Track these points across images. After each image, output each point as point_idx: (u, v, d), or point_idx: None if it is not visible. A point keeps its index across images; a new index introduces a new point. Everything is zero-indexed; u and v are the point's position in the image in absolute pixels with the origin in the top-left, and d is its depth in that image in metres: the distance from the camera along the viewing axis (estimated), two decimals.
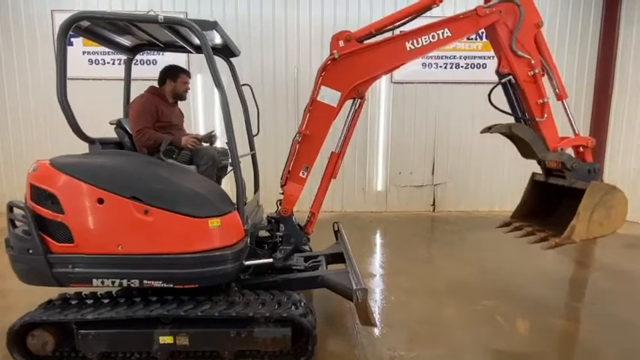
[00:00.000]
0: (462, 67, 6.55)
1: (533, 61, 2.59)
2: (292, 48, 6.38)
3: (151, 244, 2.20)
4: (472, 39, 6.46)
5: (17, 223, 2.31)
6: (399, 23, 2.64)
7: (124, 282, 2.23)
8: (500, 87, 2.75)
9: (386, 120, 6.67)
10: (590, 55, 6.62)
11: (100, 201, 2.18)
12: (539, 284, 3.61)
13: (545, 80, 2.70)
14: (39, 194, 2.23)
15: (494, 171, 6.84)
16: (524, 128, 2.73)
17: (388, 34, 2.64)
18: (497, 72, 2.72)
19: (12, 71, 6.26)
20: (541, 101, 2.64)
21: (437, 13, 2.76)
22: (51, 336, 2.22)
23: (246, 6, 6.31)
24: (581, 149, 2.72)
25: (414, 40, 2.55)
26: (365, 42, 2.59)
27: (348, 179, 6.70)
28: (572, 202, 2.53)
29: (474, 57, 6.51)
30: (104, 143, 2.65)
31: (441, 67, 6.56)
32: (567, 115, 2.75)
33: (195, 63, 6.09)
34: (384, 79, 6.57)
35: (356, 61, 2.56)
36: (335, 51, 2.54)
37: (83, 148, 2.56)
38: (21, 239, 2.24)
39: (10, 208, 2.29)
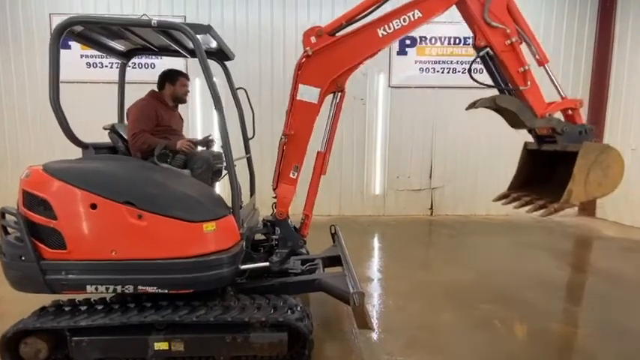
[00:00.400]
0: (458, 71, 6.58)
1: (508, 30, 2.55)
2: (290, 52, 6.40)
3: (145, 250, 2.18)
4: (468, 44, 6.50)
5: (10, 230, 2.28)
6: (368, 11, 2.61)
7: (118, 288, 2.20)
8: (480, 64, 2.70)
9: (384, 124, 6.68)
10: (585, 62, 6.68)
11: (93, 206, 2.16)
12: (536, 288, 3.59)
13: (524, 48, 2.65)
14: (31, 200, 2.20)
15: (490, 175, 6.83)
16: (508, 99, 2.67)
17: (359, 24, 2.61)
18: (474, 46, 2.68)
19: (9, 75, 6.26)
20: (522, 69, 2.59)
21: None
22: (44, 343, 2.19)
23: (244, 10, 6.34)
24: (569, 112, 2.65)
25: (385, 26, 2.53)
26: (337, 35, 2.58)
27: (346, 183, 6.69)
28: (568, 166, 2.47)
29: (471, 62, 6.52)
30: (98, 148, 2.64)
31: (438, 71, 6.59)
32: (551, 79, 2.68)
33: (193, 66, 6.10)
34: (381, 84, 6.60)
35: (330, 55, 2.54)
36: (308, 48, 2.54)
37: (78, 153, 2.55)
38: (13, 246, 2.21)
39: (2, 214, 2.27)
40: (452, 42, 6.51)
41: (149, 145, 2.68)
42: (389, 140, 6.72)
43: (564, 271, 4.25)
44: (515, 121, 2.77)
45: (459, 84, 6.53)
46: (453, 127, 6.70)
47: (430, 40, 6.45)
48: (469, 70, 2.64)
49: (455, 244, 5.21)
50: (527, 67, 2.59)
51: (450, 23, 5.81)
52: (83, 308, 2.31)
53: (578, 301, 3.62)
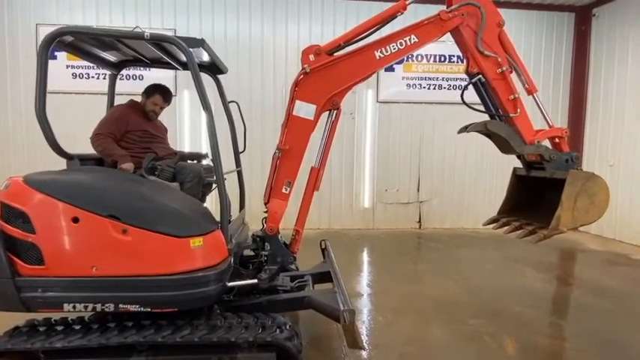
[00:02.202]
0: (444, 88, 6.77)
1: (499, 59, 2.66)
2: (280, 66, 6.48)
3: (129, 266, 2.10)
4: (453, 61, 6.73)
5: None
6: (366, 33, 2.69)
7: (98, 306, 2.10)
8: (472, 87, 2.81)
9: (372, 138, 6.77)
10: (563, 84, 6.98)
11: (75, 220, 2.08)
12: (524, 302, 3.62)
13: (514, 77, 2.76)
14: (9, 213, 2.11)
15: (476, 188, 6.98)
16: (499, 124, 2.77)
17: (357, 45, 2.69)
18: (467, 72, 2.79)
19: None
20: (512, 97, 2.70)
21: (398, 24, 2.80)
22: None
23: (235, 24, 6.41)
24: (556, 140, 2.76)
25: (383, 49, 2.61)
26: (335, 54, 2.64)
27: (335, 196, 6.69)
28: (556, 193, 2.54)
29: (456, 79, 6.75)
30: (83, 159, 2.56)
31: (424, 87, 6.77)
32: (539, 108, 2.80)
33: (182, 79, 6.08)
34: (369, 99, 6.72)
35: (328, 74, 2.59)
36: (306, 65, 2.57)
37: (63, 164, 2.47)
38: None
39: None
40: (437, 59, 6.72)
41: (105, 150, 2.64)
42: (377, 154, 6.79)
43: (550, 284, 4.31)
44: (505, 147, 2.87)
45: (445, 100, 6.74)
46: (439, 141, 6.85)
47: (416, 57, 6.64)
48: (461, 96, 2.74)
49: (443, 258, 5.24)
50: (517, 95, 2.71)
51: (436, 42, 6.02)
52: (59, 328, 2.19)
53: (564, 315, 3.66)
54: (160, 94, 2.98)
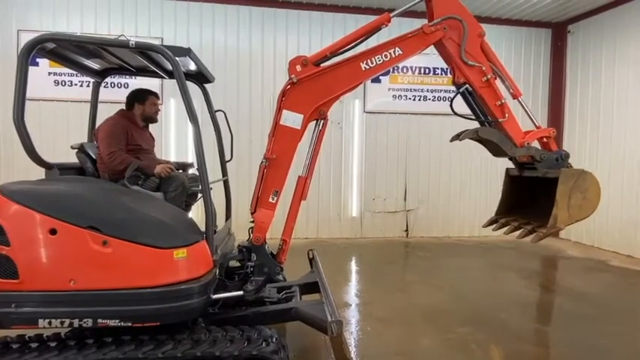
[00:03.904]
0: (429, 99, 6.93)
1: (484, 68, 2.76)
2: (268, 75, 6.50)
3: (109, 279, 2.03)
4: (438, 74, 6.92)
5: None
6: (352, 45, 2.75)
7: (75, 322, 2.01)
8: (460, 96, 2.88)
9: (360, 148, 6.83)
10: (541, 95, 7.24)
11: (53, 232, 2.00)
12: (508, 309, 3.67)
13: (499, 84, 2.86)
14: None
15: (461, 197, 7.10)
16: (489, 130, 2.86)
17: (343, 56, 2.73)
18: (454, 83, 2.87)
19: None
20: (499, 103, 2.79)
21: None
22: None
23: (223, 33, 6.42)
24: (545, 140, 2.86)
25: (368, 60, 2.66)
26: (321, 65, 2.68)
27: (323, 206, 6.68)
28: (549, 191, 2.62)
29: (440, 90, 6.93)
30: (63, 169, 2.49)
31: (410, 98, 6.91)
32: (525, 111, 2.91)
33: (169, 87, 6.02)
34: (357, 109, 6.81)
35: (314, 84, 2.62)
36: (293, 75, 2.60)
37: (41, 173, 2.39)
38: None
39: None
40: (422, 72, 6.90)
41: (125, 163, 2.57)
42: (365, 163, 6.85)
43: (534, 291, 4.39)
44: (497, 151, 2.95)
45: (429, 111, 6.89)
46: (424, 151, 6.97)
47: (402, 69, 6.80)
48: (450, 106, 2.82)
49: (430, 266, 5.27)
50: (503, 101, 2.80)
51: (421, 54, 6.19)
52: (34, 345, 2.09)
53: (548, 321, 3.72)
54: (151, 94, 2.97)
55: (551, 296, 4.30)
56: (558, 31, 7.11)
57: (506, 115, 2.78)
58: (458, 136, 2.97)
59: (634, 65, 5.86)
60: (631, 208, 5.81)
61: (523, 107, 2.91)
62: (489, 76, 2.76)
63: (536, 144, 2.87)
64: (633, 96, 5.86)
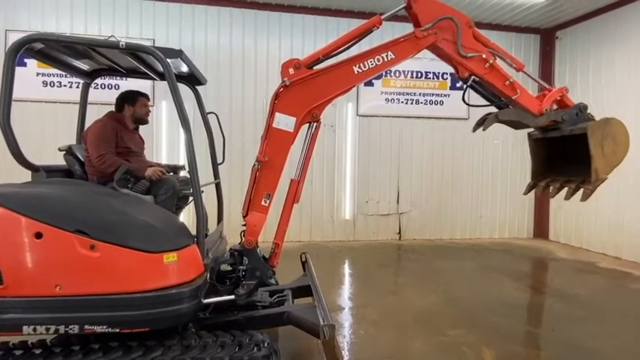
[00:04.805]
0: (421, 103, 7.00)
1: (484, 56, 2.76)
2: (261, 78, 6.49)
3: (96, 284, 1.98)
4: (430, 78, 6.99)
5: None
6: (344, 47, 2.75)
7: (61, 328, 1.95)
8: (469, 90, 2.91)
9: (353, 151, 6.84)
10: None
11: (38, 235, 1.95)
12: (500, 312, 3.69)
13: (501, 63, 2.89)
14: None
15: (453, 200, 7.15)
16: (508, 112, 2.89)
17: (336, 59, 2.73)
18: (460, 78, 2.87)
19: None
20: (508, 82, 2.80)
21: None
22: None
23: (215, 35, 6.39)
24: (559, 99, 2.89)
25: (361, 64, 2.67)
26: (314, 68, 2.68)
27: (316, 208, 6.67)
28: (579, 145, 2.68)
29: (432, 94, 7.00)
30: (50, 171, 2.44)
31: (402, 102, 6.96)
32: (533, 79, 2.98)
33: (160, 89, 5.96)
34: (350, 113, 6.83)
35: (307, 87, 2.62)
36: (285, 78, 2.59)
37: (28, 176, 2.34)
38: None
39: None
40: (414, 75, 6.96)
41: (117, 168, 2.53)
42: (358, 166, 6.86)
43: (525, 293, 4.43)
44: (520, 126, 3.01)
45: (421, 114, 6.96)
46: (416, 154, 7.02)
47: (394, 73, 6.84)
48: (463, 99, 2.89)
49: (422, 269, 5.29)
50: (511, 79, 2.81)
51: (413, 58, 6.26)
52: (18, 353, 2.03)
53: (538, 323, 3.76)
54: (142, 95, 2.93)
55: (541, 298, 4.35)
56: (547, 37, 7.25)
57: (518, 90, 2.79)
58: (479, 125, 2.99)
59: (619, 70, 6.01)
60: (618, 210, 5.93)
61: (529, 76, 2.97)
62: (491, 61, 2.77)
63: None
64: (620, 100, 6.00)
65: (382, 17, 2.72)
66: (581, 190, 2.80)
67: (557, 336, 3.22)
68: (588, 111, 2.86)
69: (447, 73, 6.97)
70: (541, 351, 3.03)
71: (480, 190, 7.18)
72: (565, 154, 3.04)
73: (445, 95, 6.99)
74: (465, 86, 2.89)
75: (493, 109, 3.02)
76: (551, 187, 3.08)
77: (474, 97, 3.01)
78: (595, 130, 2.67)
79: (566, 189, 2.93)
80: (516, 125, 3.03)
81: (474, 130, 3.05)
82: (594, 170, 2.66)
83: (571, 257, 5.98)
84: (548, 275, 5.53)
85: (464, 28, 2.73)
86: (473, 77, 2.81)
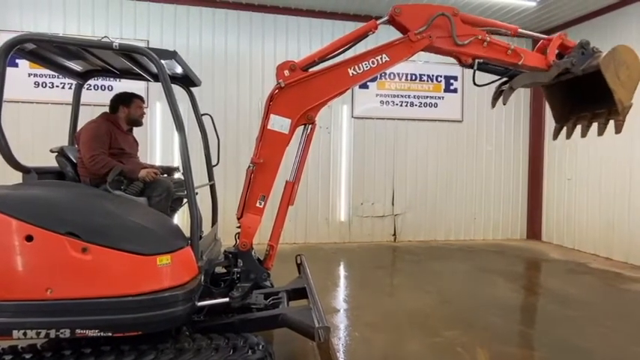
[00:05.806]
0: (415, 105, 7.05)
1: (479, 37, 2.78)
2: (256, 80, 6.48)
3: (88, 287, 1.96)
4: (424, 80, 7.05)
5: None
6: (340, 51, 2.76)
7: (52, 332, 1.92)
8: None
9: (348, 153, 6.86)
10: (523, 105, 7.41)
11: (29, 238, 1.92)
12: (494, 312, 3.72)
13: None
14: None
15: (447, 201, 7.20)
16: (519, 79, 2.92)
17: (331, 62, 2.73)
18: (464, 65, 2.88)
19: None
20: (509, 51, 2.83)
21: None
22: None
23: (210, 37, 6.37)
24: (562, 44, 2.92)
25: (356, 66, 2.68)
26: (309, 70, 2.68)
27: (311, 210, 6.66)
28: (594, 79, 2.72)
29: (426, 97, 7.05)
30: (42, 173, 2.41)
31: (397, 104, 7.00)
32: (530, 36, 3.04)
33: (154, 90, 5.93)
34: (345, 115, 6.85)
35: (302, 89, 2.62)
36: (281, 80, 2.59)
37: (18, 178, 2.30)
38: None
39: None
40: (409, 78, 7.01)
41: (110, 169, 2.50)
42: (353, 168, 6.88)
43: (518, 294, 4.47)
44: (535, 85, 3.09)
45: (416, 116, 7.01)
46: (411, 156, 7.06)
47: (389, 75, 6.89)
48: (474, 82, 2.93)
49: (418, 270, 5.31)
50: (512, 47, 2.84)
51: (407, 61, 6.28)
52: (7, 358, 1.99)
53: (532, 324, 3.79)
54: (137, 97, 2.91)
55: (535, 298, 4.38)
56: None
57: (522, 54, 2.83)
58: (497, 100, 3.04)
59: None
60: (609, 211, 6.01)
61: (527, 34, 3.03)
62: (488, 39, 2.80)
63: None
64: None
65: (378, 22, 2.74)
66: (612, 123, 2.85)
67: (551, 336, 3.25)
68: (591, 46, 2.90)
69: (440, 76, 7.04)
70: (534, 351, 3.06)
71: (473, 191, 7.23)
72: (582, 92, 3.06)
73: (439, 98, 7.05)
74: (473, 71, 2.90)
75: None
76: (579, 127, 3.12)
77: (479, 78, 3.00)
78: (607, 64, 2.70)
79: (595, 125, 2.97)
80: (531, 85, 3.09)
81: (493, 105, 3.09)
82: (619, 101, 2.71)
83: (563, 258, 6.05)
84: (541, 276, 5.58)
85: (455, 20, 2.75)
86: (477, 60, 2.83)
